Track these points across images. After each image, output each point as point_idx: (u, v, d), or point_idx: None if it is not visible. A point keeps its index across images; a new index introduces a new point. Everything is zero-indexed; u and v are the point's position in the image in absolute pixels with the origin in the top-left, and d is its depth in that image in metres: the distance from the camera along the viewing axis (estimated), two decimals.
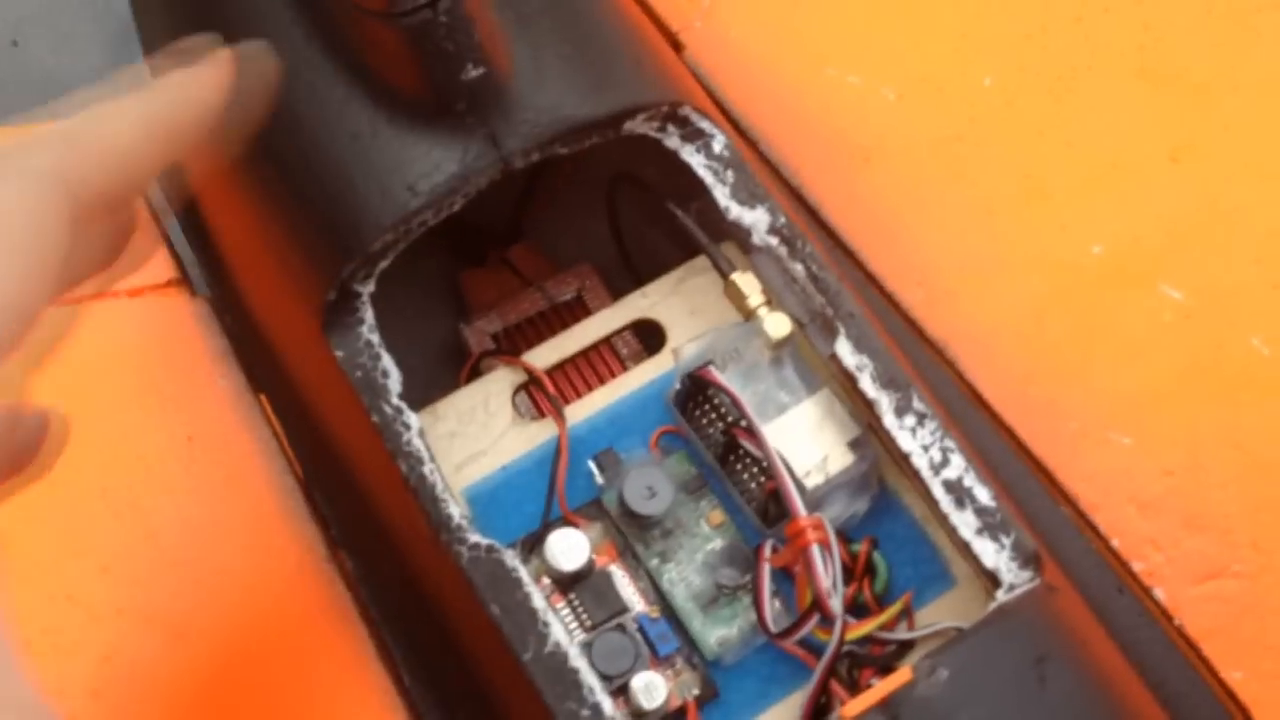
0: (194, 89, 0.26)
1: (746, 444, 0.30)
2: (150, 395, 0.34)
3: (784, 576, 0.31)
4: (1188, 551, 0.31)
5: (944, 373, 0.34)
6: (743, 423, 0.30)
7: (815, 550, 0.28)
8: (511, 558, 0.28)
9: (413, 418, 0.30)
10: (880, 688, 0.25)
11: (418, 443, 0.30)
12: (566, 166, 0.38)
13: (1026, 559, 0.28)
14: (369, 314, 0.31)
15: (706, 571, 0.31)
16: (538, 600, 0.28)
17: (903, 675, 0.25)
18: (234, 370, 0.35)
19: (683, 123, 0.33)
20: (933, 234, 0.36)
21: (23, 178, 0.22)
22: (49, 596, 0.31)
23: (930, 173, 0.37)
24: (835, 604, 0.27)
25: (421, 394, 0.32)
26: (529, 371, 0.33)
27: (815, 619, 0.28)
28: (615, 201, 0.37)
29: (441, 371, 0.36)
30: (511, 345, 0.36)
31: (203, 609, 0.32)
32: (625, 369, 0.34)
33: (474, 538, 0.29)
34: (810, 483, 0.30)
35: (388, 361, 0.31)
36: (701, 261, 0.35)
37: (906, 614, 0.30)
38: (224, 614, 0.32)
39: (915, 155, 0.37)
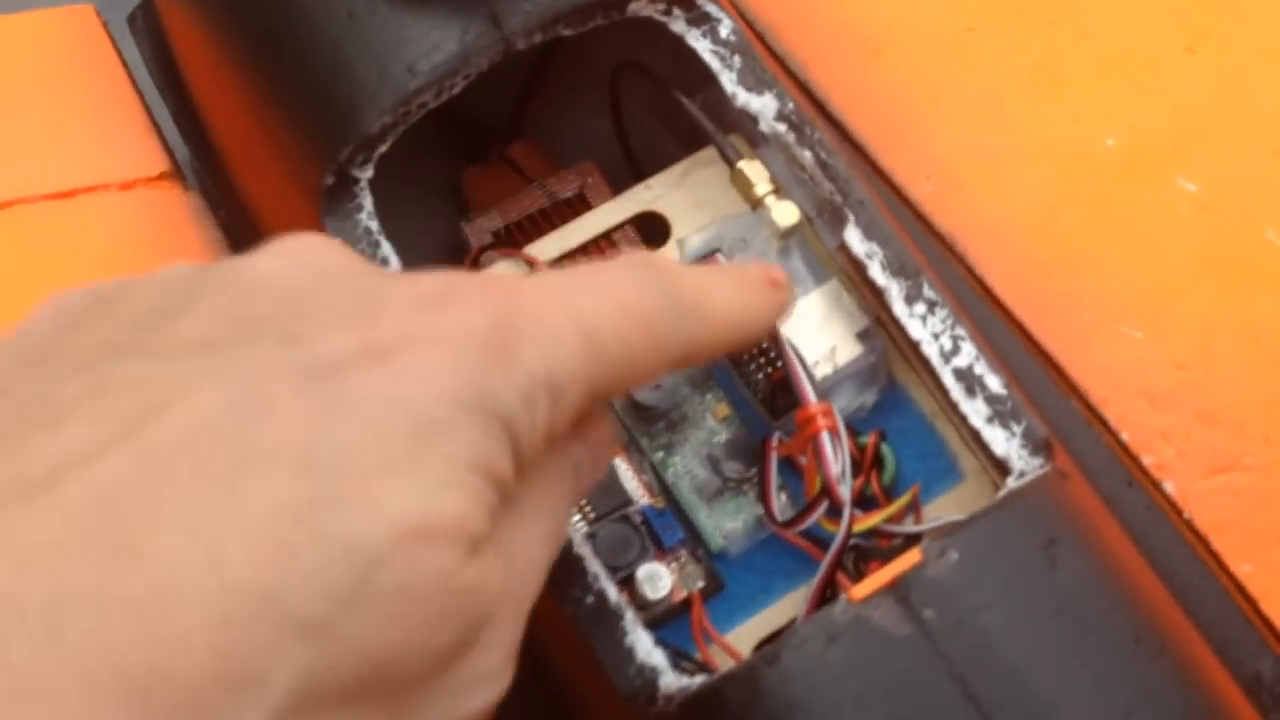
0: (770, 301, 0.24)
1: None
2: None
3: (790, 472, 0.30)
4: (1199, 445, 0.31)
5: (953, 266, 0.34)
6: None
7: (825, 436, 0.27)
8: None
9: None
10: (889, 569, 0.25)
11: None
12: (571, 62, 0.38)
13: (1037, 446, 0.27)
14: (368, 200, 0.30)
15: (711, 464, 0.30)
16: None
17: (912, 557, 0.25)
18: None
19: (688, 6, 0.32)
20: (943, 126, 0.35)
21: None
22: None
23: (941, 64, 0.36)
24: (844, 491, 0.27)
25: None
26: (531, 264, 0.33)
27: (823, 507, 0.28)
28: (619, 94, 0.36)
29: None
30: (512, 242, 0.35)
31: None
32: None
33: None
34: (818, 372, 0.29)
35: (388, 249, 0.30)
36: (706, 154, 0.34)
37: (914, 507, 0.30)
38: None
39: (925, 46, 0.36)
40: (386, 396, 0.18)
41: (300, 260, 0.20)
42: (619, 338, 0.20)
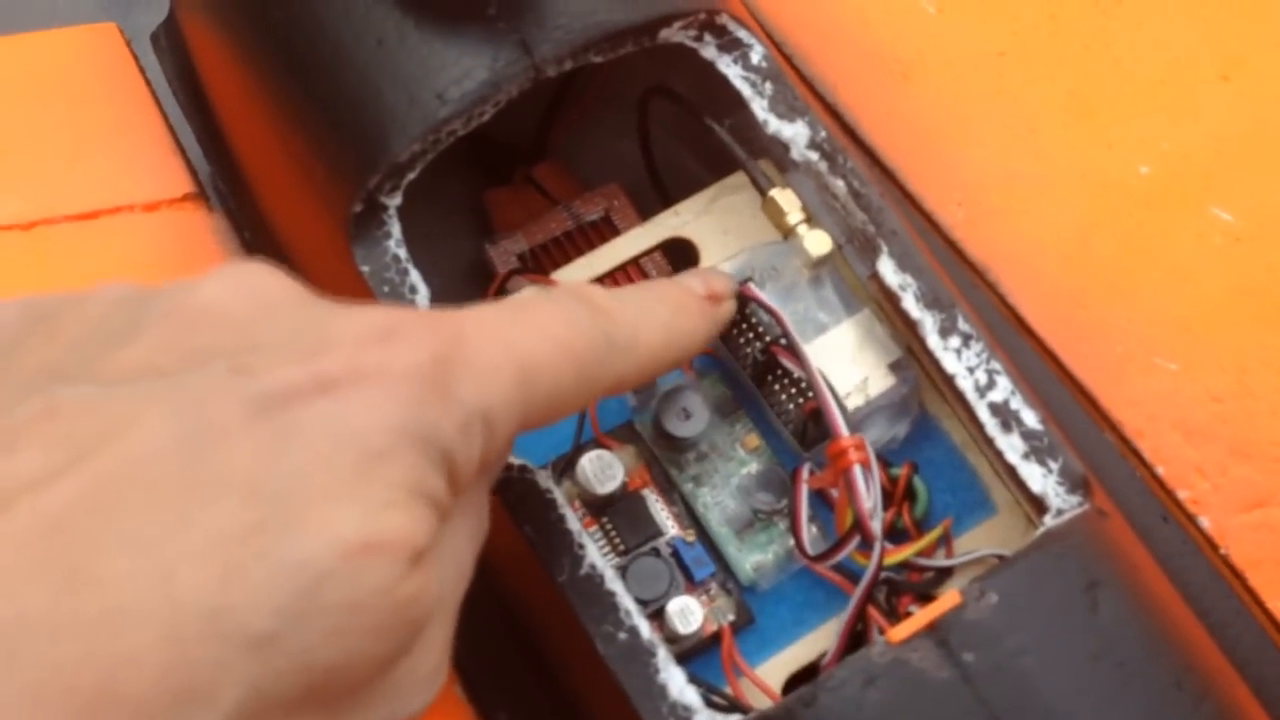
0: (708, 320, 0.26)
1: (786, 362, 0.29)
2: None
3: (821, 503, 0.30)
4: (1234, 479, 0.31)
5: (985, 295, 0.33)
6: (782, 340, 0.29)
7: (857, 470, 0.27)
8: (545, 478, 0.28)
9: None
10: (928, 611, 0.24)
11: None
12: (596, 84, 0.37)
13: (1075, 484, 0.27)
14: (396, 227, 0.30)
15: (742, 496, 0.30)
16: (572, 522, 0.27)
17: (951, 599, 0.24)
18: None
19: (720, 31, 0.32)
20: (974, 152, 0.35)
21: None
22: None
23: (972, 89, 0.36)
24: (875, 525, 0.27)
25: None
26: None
27: (855, 541, 0.27)
28: (647, 118, 0.35)
29: (467, 292, 0.35)
30: (538, 265, 0.35)
31: None
32: None
33: None
34: (850, 404, 0.29)
35: (415, 276, 0.30)
36: (735, 180, 0.34)
37: (946, 540, 0.30)
38: None
39: (956, 71, 0.36)
40: (333, 426, 0.18)
41: (247, 289, 0.20)
42: (551, 372, 0.22)
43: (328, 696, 0.18)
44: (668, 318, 0.25)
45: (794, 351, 0.29)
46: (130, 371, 0.18)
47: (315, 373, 0.19)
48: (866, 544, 0.27)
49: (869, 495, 0.27)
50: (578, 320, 0.23)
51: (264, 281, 0.21)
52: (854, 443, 0.28)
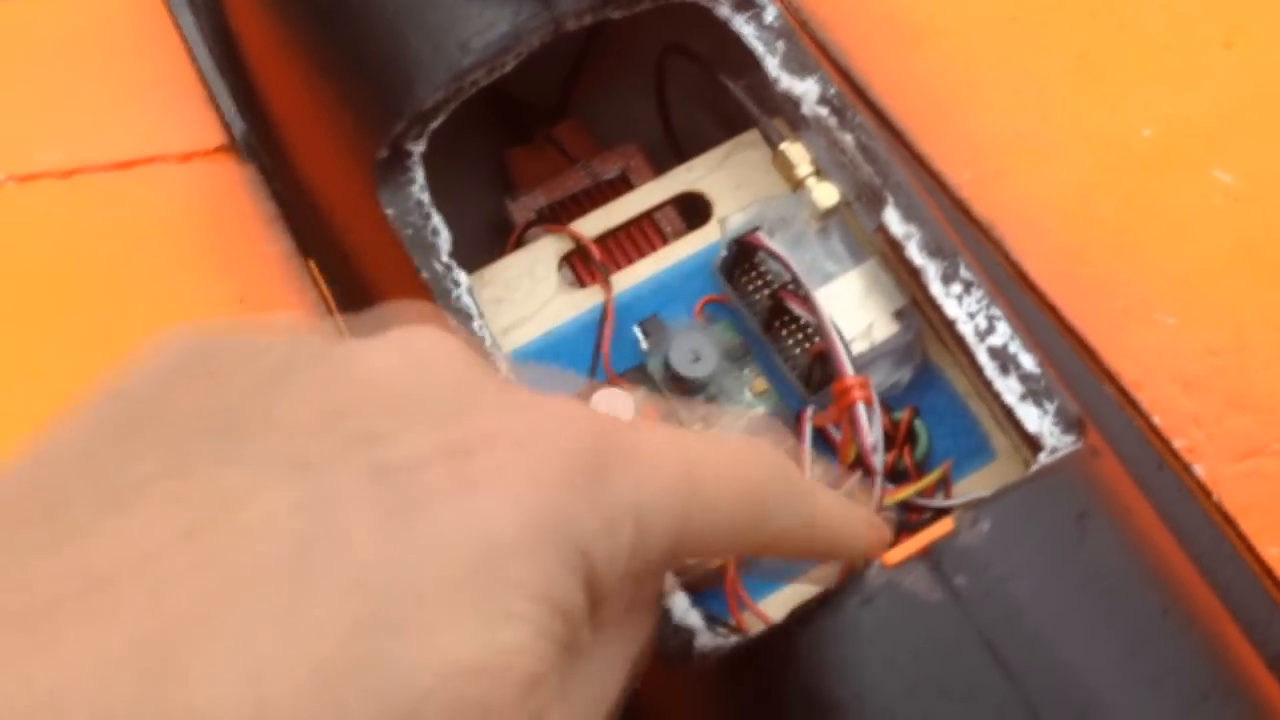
0: (877, 535, 0.23)
1: (794, 306, 0.30)
2: (201, 258, 0.35)
3: (825, 446, 0.31)
4: (1229, 430, 0.32)
5: (990, 252, 0.34)
6: (790, 286, 0.30)
7: (860, 407, 0.28)
8: None
9: (462, 275, 0.30)
10: (922, 536, 0.25)
11: (467, 299, 0.30)
12: (617, 46, 0.38)
13: (1070, 424, 0.28)
14: (420, 174, 0.31)
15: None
16: None
17: (944, 526, 0.25)
18: (283, 235, 0.35)
19: None
20: (982, 114, 0.36)
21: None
22: None
23: (981, 54, 0.36)
24: (877, 460, 0.28)
25: (467, 269, 0.32)
26: (575, 239, 0.33)
27: (856, 477, 0.28)
28: (664, 76, 0.37)
29: (487, 248, 0.37)
30: (555, 221, 0.36)
31: None
32: (669, 244, 0.34)
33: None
34: (855, 348, 0.30)
35: (438, 220, 0.31)
36: (748, 137, 0.35)
37: (945, 483, 0.30)
38: None
39: (967, 36, 0.37)
40: (457, 512, 0.16)
41: (415, 361, 0.18)
42: (723, 487, 0.19)
43: None
44: (842, 506, 0.23)
45: (802, 296, 0.30)
46: (268, 433, 0.17)
47: (449, 439, 0.17)
48: (868, 477, 0.28)
49: (871, 431, 0.28)
50: (763, 453, 0.20)
51: (433, 351, 0.19)
52: (858, 381, 0.29)
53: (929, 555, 0.25)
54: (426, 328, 0.19)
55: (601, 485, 0.17)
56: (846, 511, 0.23)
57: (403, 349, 0.18)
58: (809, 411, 0.30)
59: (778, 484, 0.20)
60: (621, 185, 0.37)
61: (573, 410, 0.18)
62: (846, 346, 0.29)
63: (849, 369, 0.29)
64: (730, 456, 0.19)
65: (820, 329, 0.29)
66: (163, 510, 0.16)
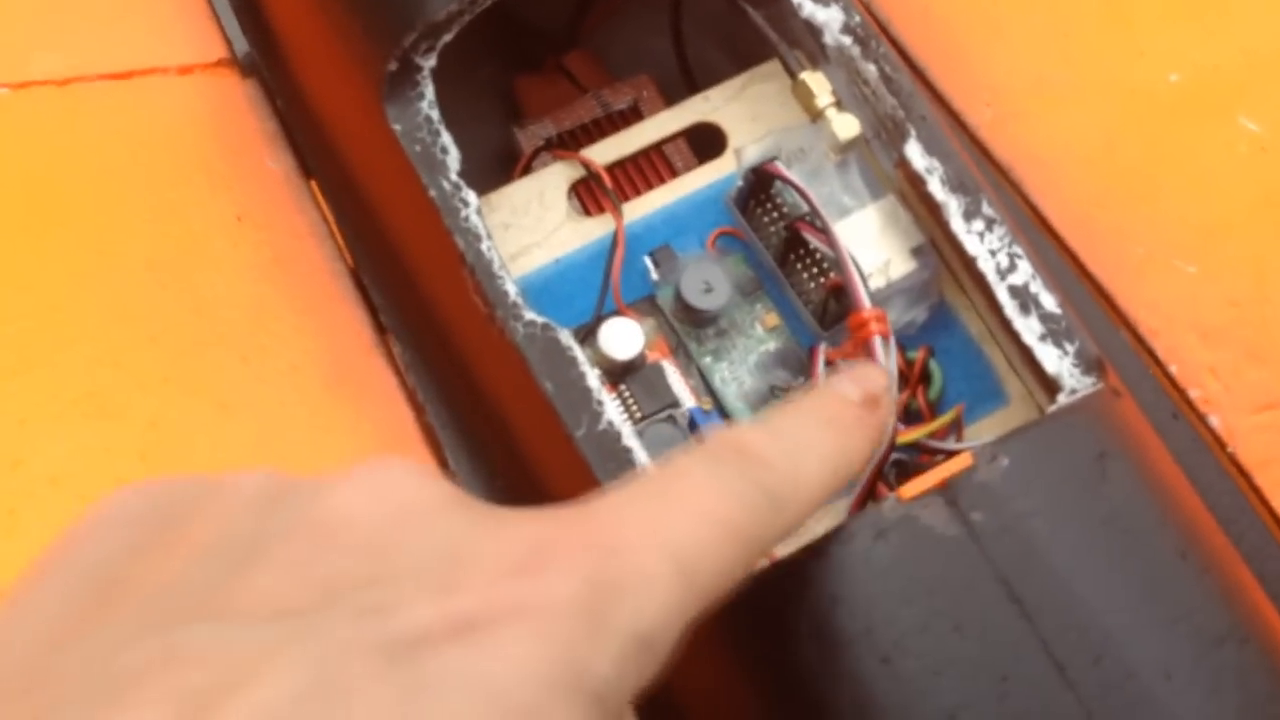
0: (868, 432, 0.22)
1: (810, 238, 0.29)
2: (198, 173, 0.34)
3: None
4: (1247, 382, 0.31)
5: (1009, 194, 0.33)
6: (808, 217, 0.29)
7: (877, 340, 0.27)
8: (567, 336, 0.28)
9: (471, 195, 0.29)
10: (939, 470, 0.25)
11: (475, 219, 0.29)
12: None
13: (1090, 365, 0.27)
14: (430, 90, 0.30)
15: (759, 373, 0.30)
16: (592, 380, 0.28)
17: (963, 460, 0.25)
18: (284, 153, 0.34)
19: None
20: (1005, 54, 0.35)
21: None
22: (95, 361, 0.31)
23: None
24: (892, 394, 0.27)
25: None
26: (586, 165, 0.33)
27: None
28: (679, 6, 0.36)
29: (493, 178, 0.36)
30: (565, 150, 0.35)
31: (248, 384, 0.31)
32: (681, 176, 0.34)
33: (529, 314, 0.28)
34: (872, 284, 0.29)
35: (447, 139, 0.30)
36: (766, 68, 0.34)
37: (958, 425, 0.30)
38: (268, 390, 0.31)
39: None
40: (471, 680, 0.16)
41: (380, 496, 0.18)
42: (715, 561, 0.19)
43: None
44: (828, 447, 0.22)
45: (820, 228, 0.29)
46: (255, 607, 0.17)
47: (450, 612, 0.17)
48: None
49: (887, 365, 0.27)
50: (732, 486, 0.20)
51: (400, 485, 0.18)
52: (875, 314, 0.28)
53: (946, 490, 0.25)
54: (382, 462, 0.19)
55: (605, 628, 0.17)
56: (833, 453, 0.22)
57: (365, 485, 0.18)
58: (821, 349, 0.30)
59: (761, 512, 0.20)
60: (633, 116, 0.36)
61: (561, 553, 0.18)
62: (864, 279, 0.28)
63: (866, 301, 0.28)
64: (712, 522, 0.19)
65: (838, 260, 0.28)
66: (162, 701, 0.16)
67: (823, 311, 0.30)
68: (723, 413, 0.30)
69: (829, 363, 0.29)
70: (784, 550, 0.28)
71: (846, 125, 0.31)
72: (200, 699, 0.16)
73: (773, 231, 0.31)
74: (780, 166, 0.30)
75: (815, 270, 0.30)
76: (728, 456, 0.20)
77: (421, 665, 0.16)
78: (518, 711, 0.16)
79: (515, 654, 0.16)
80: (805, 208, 0.30)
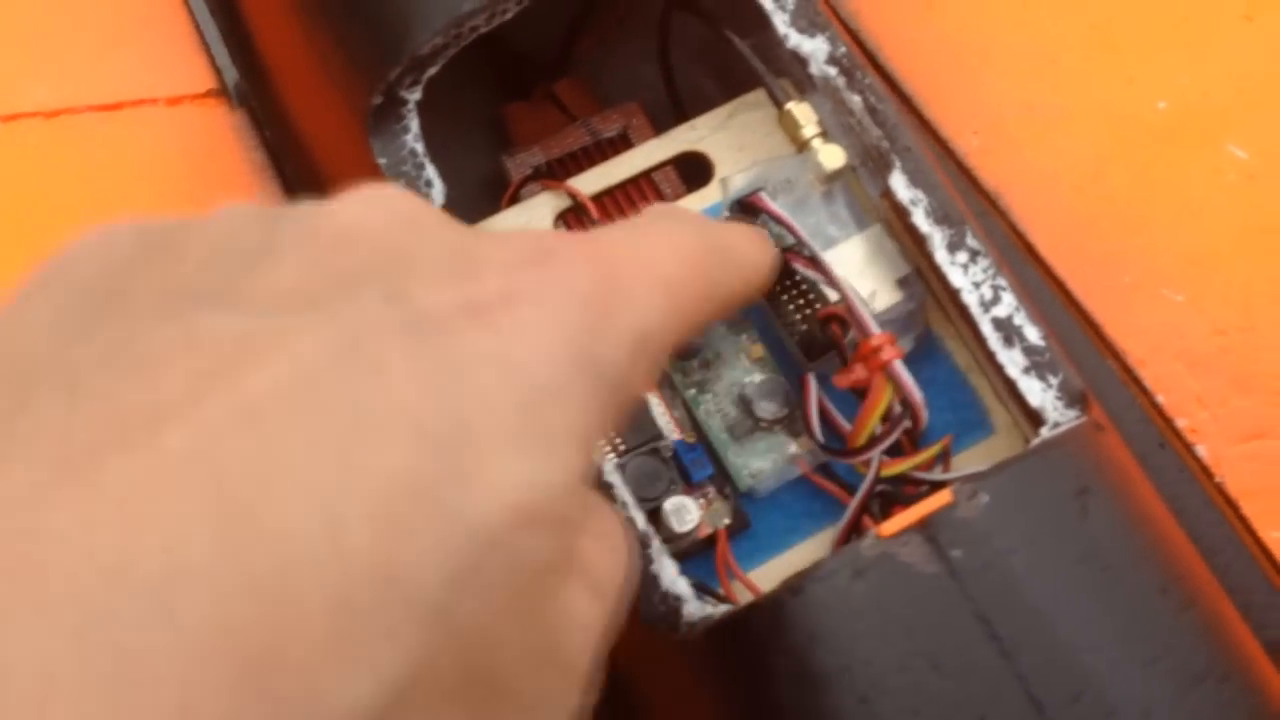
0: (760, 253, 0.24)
1: (800, 268, 0.29)
2: (188, 204, 0.34)
3: (823, 421, 0.30)
4: (1234, 411, 0.31)
5: (996, 221, 0.33)
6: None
7: (899, 365, 0.27)
8: None
9: None
10: (919, 508, 0.24)
11: None
12: (618, 1, 0.37)
13: (1073, 398, 0.27)
14: (415, 123, 0.30)
15: (744, 404, 0.30)
16: None
17: (942, 497, 0.25)
18: (273, 184, 0.34)
19: None
20: (993, 82, 0.35)
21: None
22: None
23: (994, 19, 0.36)
24: (925, 415, 0.27)
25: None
26: (572, 195, 0.33)
27: (902, 427, 0.28)
28: (668, 33, 0.36)
29: (482, 207, 0.36)
30: (553, 179, 0.35)
31: None
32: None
33: None
34: None
35: (431, 171, 0.30)
36: (753, 97, 0.34)
37: (944, 457, 0.30)
38: None
39: (979, 1, 0.36)
40: (496, 359, 0.16)
41: (388, 209, 0.18)
42: (690, 290, 0.20)
43: (479, 693, 0.16)
44: (744, 238, 0.24)
45: (808, 257, 0.29)
46: (276, 296, 0.16)
47: (470, 297, 0.17)
48: (915, 426, 0.28)
49: (911, 387, 0.27)
50: (689, 231, 0.21)
51: (403, 202, 0.18)
52: (887, 338, 0.28)
53: (926, 527, 0.24)
54: (380, 185, 0.19)
55: (613, 323, 0.18)
56: (753, 244, 0.24)
57: (370, 201, 0.18)
58: (811, 379, 0.29)
59: (714, 259, 0.21)
60: (621, 144, 0.36)
61: (567, 251, 0.18)
62: (866, 304, 0.28)
63: (874, 327, 0.28)
64: (683, 255, 0.20)
65: (838, 288, 0.28)
66: (189, 373, 0.15)
67: (809, 343, 0.30)
68: (707, 446, 0.30)
69: (843, 387, 0.29)
70: (764, 586, 0.28)
71: (832, 156, 0.31)
72: (233, 367, 0.15)
73: None
74: (765, 198, 0.30)
75: (802, 301, 0.30)
76: (677, 214, 0.22)
77: (447, 343, 0.16)
78: (541, 388, 0.16)
79: (535, 336, 0.17)
80: (790, 240, 0.30)
